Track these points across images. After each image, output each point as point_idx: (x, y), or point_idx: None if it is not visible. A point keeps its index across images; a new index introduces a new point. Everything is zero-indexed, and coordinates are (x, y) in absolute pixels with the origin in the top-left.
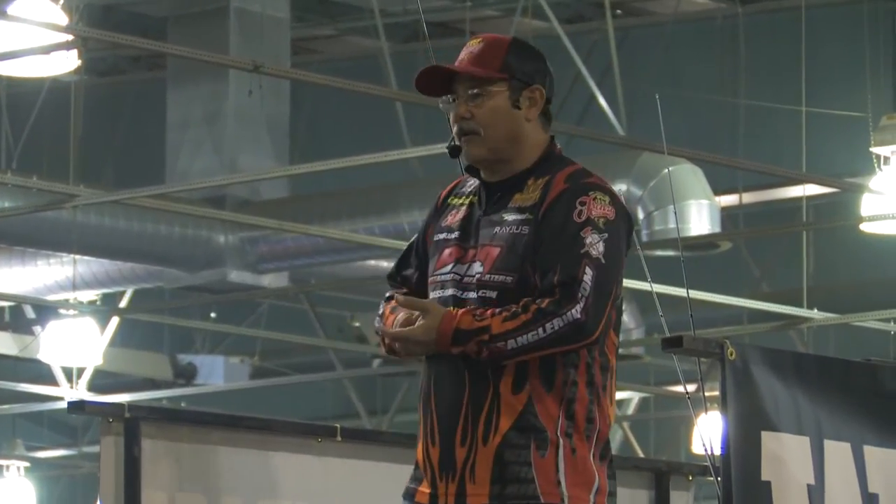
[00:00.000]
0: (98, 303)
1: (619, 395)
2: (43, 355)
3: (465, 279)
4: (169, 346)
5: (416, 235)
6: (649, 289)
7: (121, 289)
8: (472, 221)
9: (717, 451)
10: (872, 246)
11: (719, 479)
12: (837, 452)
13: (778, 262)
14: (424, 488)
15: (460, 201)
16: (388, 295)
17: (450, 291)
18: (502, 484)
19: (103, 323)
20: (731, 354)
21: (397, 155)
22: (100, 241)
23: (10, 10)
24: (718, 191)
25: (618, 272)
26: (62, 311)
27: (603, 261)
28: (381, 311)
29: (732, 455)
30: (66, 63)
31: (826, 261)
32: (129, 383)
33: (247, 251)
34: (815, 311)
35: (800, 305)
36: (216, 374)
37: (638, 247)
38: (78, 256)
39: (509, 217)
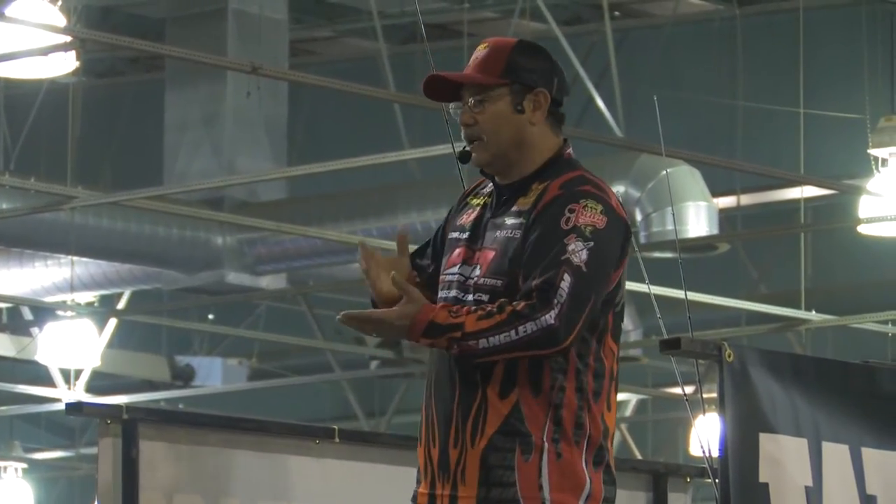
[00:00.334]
0: (96, 304)
1: (618, 397)
2: (41, 357)
3: (468, 281)
4: (167, 348)
5: (439, 226)
6: (647, 290)
7: (119, 290)
8: (482, 223)
9: (715, 453)
10: (870, 248)
11: (717, 480)
12: (835, 454)
13: (776, 264)
14: (424, 489)
15: (477, 201)
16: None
17: (454, 292)
18: (487, 487)
19: (101, 324)
20: (729, 356)
21: (395, 157)
22: (98, 242)
23: (9, 11)
24: (716, 192)
25: (600, 282)
26: (60, 312)
27: (584, 269)
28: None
29: (730, 457)
30: (65, 64)
31: (824, 262)
32: (127, 385)
33: (245, 253)
34: (813, 312)
35: (798, 307)
36: (214, 375)
37: (636, 249)
38: (76, 258)
39: (509, 221)
